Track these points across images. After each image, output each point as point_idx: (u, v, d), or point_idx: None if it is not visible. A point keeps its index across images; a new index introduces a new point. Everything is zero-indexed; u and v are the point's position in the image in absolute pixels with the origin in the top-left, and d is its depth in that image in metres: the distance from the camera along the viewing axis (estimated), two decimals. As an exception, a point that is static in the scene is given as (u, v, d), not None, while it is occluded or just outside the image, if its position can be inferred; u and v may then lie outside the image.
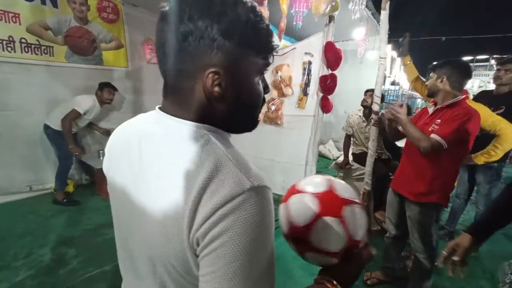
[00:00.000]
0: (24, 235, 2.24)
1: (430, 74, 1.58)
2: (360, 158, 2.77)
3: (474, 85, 14.37)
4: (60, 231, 2.36)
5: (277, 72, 3.25)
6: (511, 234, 2.69)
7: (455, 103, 1.47)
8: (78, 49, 3.05)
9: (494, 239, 1.06)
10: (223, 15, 0.39)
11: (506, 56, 2.59)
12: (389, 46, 2.44)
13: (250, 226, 0.36)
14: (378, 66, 2.41)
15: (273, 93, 3.34)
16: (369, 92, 2.64)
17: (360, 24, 3.92)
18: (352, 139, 3.01)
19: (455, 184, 2.40)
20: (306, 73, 3.11)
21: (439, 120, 1.48)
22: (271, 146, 3.23)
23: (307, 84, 3.12)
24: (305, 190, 0.56)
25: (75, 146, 2.80)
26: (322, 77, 2.94)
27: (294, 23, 2.67)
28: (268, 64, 0.47)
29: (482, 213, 1.04)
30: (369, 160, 2.44)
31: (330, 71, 2.96)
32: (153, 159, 0.45)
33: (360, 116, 2.84)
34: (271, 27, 0.46)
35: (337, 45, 2.89)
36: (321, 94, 3.02)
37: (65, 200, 2.81)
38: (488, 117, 1.89)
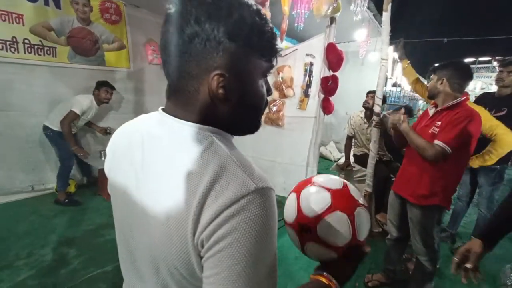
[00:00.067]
0: (25, 235, 2.25)
1: (431, 76, 1.58)
2: (362, 159, 2.76)
3: (476, 87, 14.32)
4: (61, 231, 2.36)
5: (278, 73, 3.26)
6: (513, 237, 2.68)
7: (456, 105, 1.47)
8: (81, 50, 3.07)
9: (496, 241, 1.05)
10: (230, 18, 0.39)
11: (508, 58, 2.58)
12: (391, 48, 2.43)
13: (255, 228, 0.36)
14: (379, 68, 2.41)
15: (275, 94, 3.34)
16: (371, 93, 2.64)
17: (362, 25, 3.93)
18: (353, 140, 3.00)
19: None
20: (308, 74, 3.12)
21: (439, 122, 1.47)
22: (272, 147, 3.24)
23: (308, 86, 3.12)
24: (321, 185, 0.59)
25: (78, 147, 2.82)
26: (323, 79, 2.94)
27: (296, 24, 2.67)
28: (272, 67, 0.47)
29: (491, 217, 1.03)
30: (371, 162, 2.44)
31: (331, 73, 2.96)
32: (156, 160, 0.44)
33: (361, 117, 2.84)
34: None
35: (339, 47, 2.89)
36: (322, 96, 3.02)
37: (66, 200, 2.81)
38: (487, 121, 1.88)
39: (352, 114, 2.97)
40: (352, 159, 2.93)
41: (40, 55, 2.78)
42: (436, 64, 1.62)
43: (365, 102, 2.73)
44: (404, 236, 1.76)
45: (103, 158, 3.07)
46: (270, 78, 3.34)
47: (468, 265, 0.93)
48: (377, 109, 2.40)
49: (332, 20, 2.79)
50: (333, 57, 2.86)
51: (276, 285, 0.40)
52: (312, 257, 0.58)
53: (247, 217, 0.36)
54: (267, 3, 2.53)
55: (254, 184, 0.38)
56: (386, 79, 2.91)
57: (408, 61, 2.39)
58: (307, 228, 0.55)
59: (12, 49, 2.60)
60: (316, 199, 0.56)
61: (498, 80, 2.22)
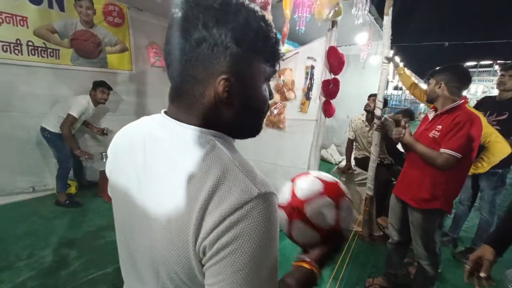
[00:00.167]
0: (26, 236, 2.25)
1: (429, 80, 1.58)
2: (363, 162, 2.76)
3: (478, 91, 14.32)
4: (62, 232, 2.36)
5: (279, 76, 3.27)
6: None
7: (455, 108, 1.47)
8: (84, 52, 3.09)
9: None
10: (237, 23, 0.40)
11: (510, 61, 2.58)
12: (392, 52, 2.44)
13: (259, 234, 0.36)
14: (380, 71, 2.41)
15: (276, 97, 3.35)
16: (373, 96, 2.64)
17: (363, 29, 3.94)
18: (354, 143, 3.00)
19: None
20: (309, 77, 3.12)
21: (440, 126, 1.48)
22: (273, 150, 3.23)
23: (309, 88, 3.13)
24: (316, 176, 0.65)
25: (81, 150, 2.83)
26: (324, 82, 2.94)
27: (297, 28, 2.69)
28: (275, 72, 0.48)
29: (499, 222, 1.02)
30: (372, 165, 2.44)
31: (332, 76, 2.96)
32: (158, 162, 0.45)
33: (363, 120, 2.84)
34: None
35: (340, 50, 2.90)
36: (323, 99, 3.02)
37: (67, 201, 2.82)
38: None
39: (353, 117, 2.97)
40: (353, 162, 2.93)
41: (43, 57, 2.80)
42: (434, 69, 1.63)
43: (367, 105, 2.73)
44: (405, 240, 1.75)
45: (104, 160, 3.08)
46: (271, 81, 3.35)
47: (482, 274, 0.90)
48: (378, 112, 2.40)
49: (334, 23, 2.80)
50: (334, 60, 2.87)
51: (276, 285, 0.41)
52: (297, 237, 0.62)
53: (250, 224, 0.36)
54: (269, 7, 2.54)
55: (257, 189, 0.38)
56: (387, 82, 2.91)
57: (404, 68, 2.40)
58: (296, 208, 0.60)
59: (16, 51, 2.63)
60: (309, 185, 0.63)
61: (499, 84, 2.22)
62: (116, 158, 0.54)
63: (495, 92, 2.34)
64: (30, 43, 2.69)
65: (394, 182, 2.45)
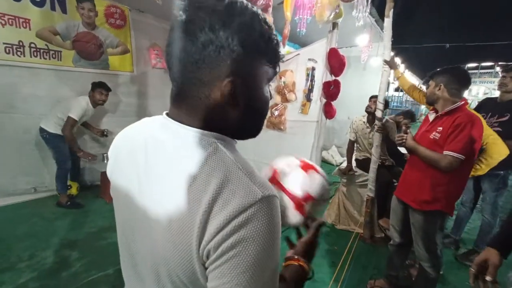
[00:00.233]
0: (27, 237, 2.25)
1: (429, 82, 1.58)
2: (364, 164, 2.75)
3: (479, 92, 14.28)
4: (63, 233, 2.37)
5: (280, 78, 3.27)
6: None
7: (455, 109, 1.47)
8: (86, 54, 3.11)
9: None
10: (243, 26, 0.40)
11: (511, 63, 2.58)
12: (392, 54, 2.45)
13: (263, 236, 0.37)
14: (381, 73, 2.42)
15: (277, 98, 3.35)
16: (374, 98, 2.64)
17: (364, 30, 3.95)
18: (355, 145, 3.00)
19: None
20: (310, 79, 3.13)
21: (440, 128, 1.48)
22: (274, 151, 3.23)
23: (310, 90, 3.13)
24: (296, 157, 0.77)
25: (84, 152, 2.83)
26: (325, 83, 2.95)
27: (298, 29, 2.69)
28: (276, 73, 0.49)
29: (503, 224, 1.02)
30: (373, 167, 2.43)
31: (333, 77, 2.97)
32: (160, 164, 0.45)
33: (364, 122, 2.84)
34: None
35: (341, 52, 2.90)
36: (324, 100, 3.03)
37: (68, 203, 2.82)
38: None
39: (354, 119, 2.97)
40: (354, 163, 2.92)
41: (45, 58, 2.82)
42: (434, 70, 1.63)
43: (368, 107, 2.73)
44: (407, 241, 1.75)
45: (105, 161, 3.08)
46: (272, 83, 3.36)
47: (488, 278, 0.90)
48: (378, 114, 2.40)
49: (334, 25, 2.81)
50: (335, 62, 2.88)
51: (277, 283, 0.41)
52: None
53: (255, 227, 0.36)
54: (270, 9, 2.55)
55: (261, 192, 0.38)
56: (388, 84, 2.91)
57: (401, 72, 2.41)
58: (273, 178, 0.68)
59: (19, 53, 2.64)
60: (288, 162, 0.73)
61: (501, 85, 2.22)
62: (117, 160, 0.54)
63: (496, 93, 2.34)
64: (32, 45, 2.71)
65: (395, 184, 2.45)
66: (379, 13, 3.79)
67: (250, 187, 0.38)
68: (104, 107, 3.14)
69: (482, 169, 1.93)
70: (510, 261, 0.99)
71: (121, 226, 0.55)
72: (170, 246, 0.40)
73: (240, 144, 0.49)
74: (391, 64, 2.36)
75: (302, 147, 3.19)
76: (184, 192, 0.39)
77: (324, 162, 5.10)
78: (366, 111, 2.77)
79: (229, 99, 0.42)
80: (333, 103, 3.03)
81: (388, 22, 2.29)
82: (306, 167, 0.71)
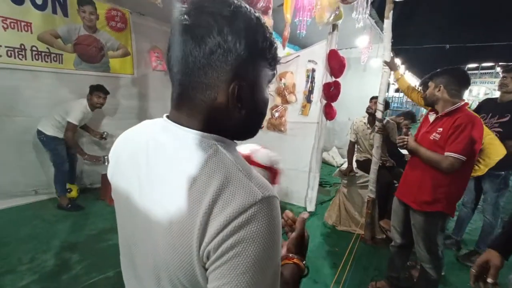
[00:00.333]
0: (28, 240, 2.25)
1: (429, 83, 1.58)
2: (364, 165, 2.75)
3: (480, 93, 14.26)
4: (64, 236, 2.37)
5: (280, 79, 3.28)
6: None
7: (456, 110, 1.47)
8: (87, 57, 3.13)
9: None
10: (249, 31, 0.41)
11: (511, 63, 2.58)
12: (391, 55, 2.45)
13: (263, 237, 0.37)
14: (381, 74, 2.42)
15: (277, 100, 3.36)
16: (374, 99, 2.64)
17: (364, 32, 3.96)
18: (356, 146, 3.00)
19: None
20: (310, 80, 3.14)
21: (440, 129, 1.48)
22: (275, 153, 3.23)
23: (310, 91, 3.14)
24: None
25: (89, 155, 2.84)
26: (325, 85, 2.96)
27: (298, 31, 2.70)
28: (274, 75, 0.50)
29: (505, 226, 1.01)
30: (373, 168, 2.43)
31: (333, 79, 2.98)
32: (161, 167, 0.45)
33: (364, 123, 2.84)
34: (275, 35, 0.49)
35: (341, 53, 2.91)
36: (324, 101, 3.03)
37: (69, 205, 2.82)
38: None
39: (355, 120, 2.97)
40: (354, 164, 2.92)
41: (47, 61, 2.83)
42: (433, 72, 1.63)
43: (369, 108, 2.73)
44: (408, 243, 1.74)
45: (106, 163, 3.09)
46: (272, 84, 3.37)
47: (490, 280, 0.90)
48: (379, 114, 2.41)
49: (334, 27, 2.82)
50: (335, 63, 2.89)
51: (279, 284, 0.41)
52: None
53: (255, 227, 0.36)
54: (270, 11, 2.56)
55: (261, 193, 0.38)
56: (389, 85, 2.92)
57: (401, 73, 2.42)
58: (247, 157, 0.93)
59: (20, 56, 2.66)
60: (252, 146, 1.01)
61: (501, 86, 2.21)
62: (118, 162, 0.54)
63: (497, 94, 2.33)
64: (34, 48, 2.72)
65: (396, 185, 2.44)
66: (379, 14, 3.80)
67: (250, 188, 0.38)
68: (106, 109, 3.15)
69: (480, 169, 1.93)
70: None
71: (122, 229, 0.55)
72: (170, 248, 0.40)
73: (240, 146, 0.49)
74: (391, 66, 2.37)
75: (303, 149, 3.19)
76: (185, 194, 0.39)
77: (325, 163, 5.09)
78: (367, 112, 2.77)
79: (234, 101, 0.43)
80: (333, 104, 3.04)
81: (387, 23, 2.30)
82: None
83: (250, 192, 0.38)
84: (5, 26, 2.53)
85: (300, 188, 3.28)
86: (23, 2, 2.60)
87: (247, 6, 0.43)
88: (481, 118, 2.15)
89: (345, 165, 2.94)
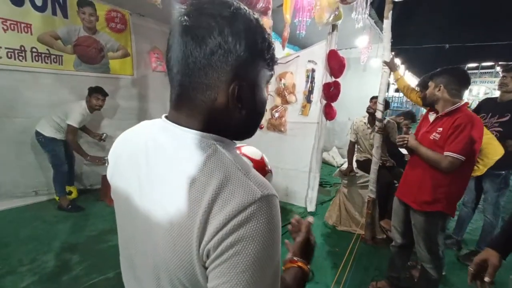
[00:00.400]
0: (29, 241, 2.25)
1: (429, 83, 1.58)
2: (365, 165, 2.75)
3: (480, 92, 14.25)
4: (64, 237, 2.37)
5: (280, 80, 3.28)
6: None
7: (456, 110, 1.47)
8: (86, 58, 3.13)
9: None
10: (249, 32, 0.42)
11: (511, 63, 2.58)
12: (391, 56, 2.46)
13: (262, 235, 0.37)
14: (381, 74, 2.42)
15: (277, 100, 3.36)
16: (375, 99, 2.64)
17: (363, 32, 3.96)
18: (356, 146, 3.00)
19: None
20: (310, 80, 3.14)
21: (440, 129, 1.48)
22: (275, 153, 3.24)
23: (310, 92, 3.14)
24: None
25: (91, 156, 2.84)
26: (325, 85, 2.96)
27: (298, 32, 2.70)
28: (272, 75, 0.51)
29: (504, 225, 1.02)
30: (374, 168, 2.43)
31: (333, 79, 2.98)
32: (161, 167, 0.45)
33: (365, 123, 2.84)
34: (274, 36, 0.49)
35: (340, 53, 2.92)
36: (324, 102, 3.04)
37: (69, 206, 2.82)
38: None
39: (355, 120, 2.97)
40: (355, 164, 2.92)
41: (47, 63, 2.84)
42: (433, 71, 1.63)
43: (369, 108, 2.73)
44: (408, 242, 1.74)
45: (106, 164, 3.09)
46: (272, 85, 3.37)
47: (487, 279, 0.90)
48: (379, 114, 2.40)
49: (334, 27, 2.82)
50: (335, 63, 2.89)
51: (279, 283, 0.41)
52: None
53: (254, 225, 0.36)
54: (270, 12, 2.57)
55: (260, 191, 0.38)
56: (388, 84, 2.92)
57: (401, 73, 2.42)
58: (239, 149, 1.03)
59: (20, 57, 2.66)
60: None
61: (501, 85, 2.21)
62: (117, 163, 0.54)
63: (496, 93, 2.33)
64: (34, 50, 2.73)
65: (396, 185, 2.44)
66: (378, 14, 3.81)
67: (249, 187, 0.38)
68: (105, 110, 3.15)
69: (479, 169, 1.93)
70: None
71: (122, 229, 0.55)
72: (170, 248, 0.41)
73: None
74: (391, 66, 2.37)
75: (303, 149, 3.19)
76: (185, 193, 0.39)
77: (325, 164, 5.09)
78: (367, 111, 2.77)
79: (234, 101, 0.43)
80: (333, 104, 3.04)
81: (387, 23, 2.30)
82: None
83: (250, 190, 0.38)
84: (5, 27, 2.53)
85: (300, 188, 3.28)
86: (23, 3, 2.60)
87: (246, 8, 0.44)
88: (481, 117, 2.17)
89: (345, 165, 2.94)
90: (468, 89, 1.62)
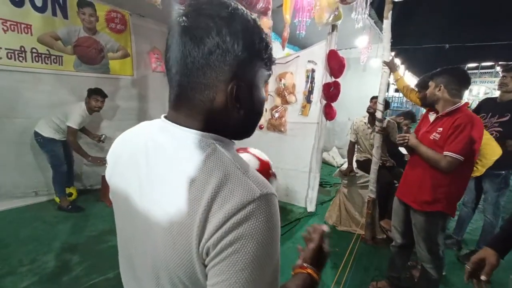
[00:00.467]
0: (29, 241, 2.26)
1: (429, 83, 1.58)
2: (365, 165, 2.75)
3: (480, 92, 14.25)
4: (64, 237, 2.37)
5: (280, 80, 3.28)
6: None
7: (456, 110, 1.47)
8: (86, 59, 3.13)
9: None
10: (246, 32, 0.42)
11: (511, 63, 2.58)
12: (391, 56, 2.46)
13: (261, 233, 0.37)
14: (381, 74, 2.42)
15: (277, 100, 3.36)
16: (375, 99, 2.64)
17: (363, 32, 3.96)
18: (356, 146, 3.00)
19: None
20: (310, 80, 3.14)
21: (441, 129, 1.48)
22: (275, 153, 3.23)
23: (310, 92, 3.14)
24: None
25: (93, 157, 2.84)
26: (325, 85, 2.96)
27: (298, 32, 2.70)
28: (270, 75, 0.51)
29: (503, 225, 1.02)
30: (374, 168, 2.43)
31: (333, 79, 2.98)
32: (161, 167, 0.45)
33: (365, 123, 2.84)
34: (274, 36, 0.49)
35: (340, 53, 2.92)
36: (324, 102, 3.04)
37: (69, 206, 2.83)
38: None
39: (355, 120, 2.97)
40: (355, 164, 2.92)
41: (47, 63, 2.84)
42: (433, 71, 1.63)
43: (369, 108, 2.73)
44: (408, 242, 1.74)
45: (106, 165, 3.08)
46: (272, 85, 3.38)
47: (483, 278, 0.90)
48: (379, 114, 2.40)
49: (334, 27, 2.83)
50: (335, 63, 2.89)
51: (278, 283, 0.42)
52: None
53: (253, 224, 0.37)
54: (269, 12, 2.57)
55: (259, 190, 0.39)
56: (388, 84, 2.92)
57: (401, 74, 2.42)
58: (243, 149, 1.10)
59: (20, 58, 2.66)
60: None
61: (501, 85, 2.21)
62: (117, 163, 0.54)
63: (496, 93, 2.33)
64: (34, 50, 2.73)
65: (396, 185, 2.44)
66: (378, 14, 3.81)
67: (248, 185, 0.39)
68: (105, 111, 3.14)
69: (478, 170, 1.94)
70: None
71: (121, 230, 0.55)
72: (170, 247, 0.41)
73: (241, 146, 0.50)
74: (391, 66, 2.37)
75: (303, 149, 3.19)
76: (184, 193, 0.40)
77: (325, 164, 5.09)
78: (367, 111, 2.77)
79: (232, 101, 0.44)
80: (333, 104, 3.04)
81: (387, 23, 2.30)
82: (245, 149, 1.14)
83: (249, 189, 0.38)
84: (5, 28, 2.53)
85: (301, 188, 3.28)
86: (23, 4, 2.60)
87: (244, 8, 0.44)
88: (481, 117, 2.16)
89: (345, 165, 2.94)
90: (468, 89, 1.62)
